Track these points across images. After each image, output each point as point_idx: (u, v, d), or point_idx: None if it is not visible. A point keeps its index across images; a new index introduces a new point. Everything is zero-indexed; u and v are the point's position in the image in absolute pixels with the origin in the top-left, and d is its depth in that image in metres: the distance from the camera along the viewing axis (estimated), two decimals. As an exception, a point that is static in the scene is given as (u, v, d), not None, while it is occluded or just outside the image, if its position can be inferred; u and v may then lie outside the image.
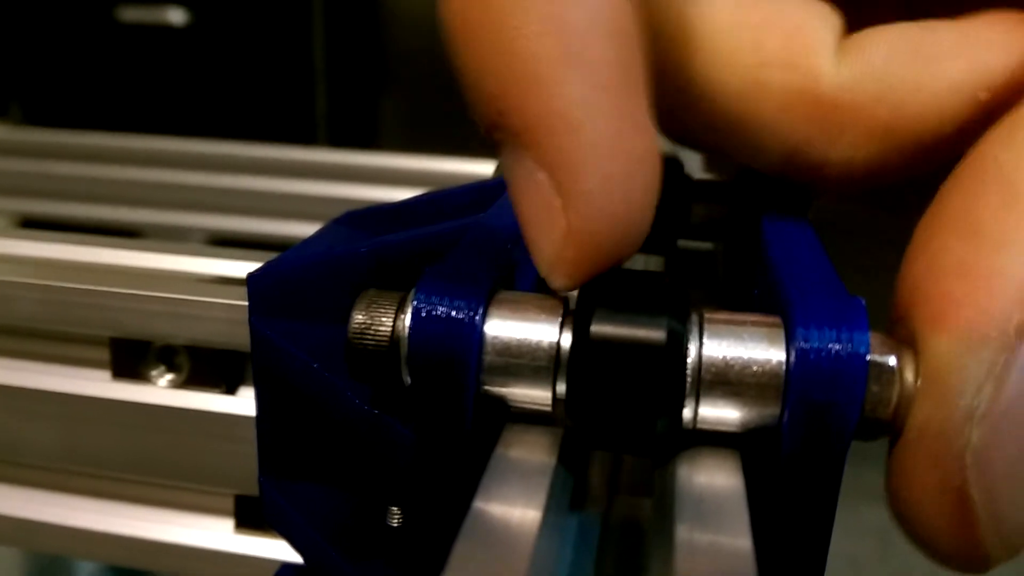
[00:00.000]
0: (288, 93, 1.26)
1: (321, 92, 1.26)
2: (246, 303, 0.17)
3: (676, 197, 0.21)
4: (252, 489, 0.19)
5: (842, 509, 0.13)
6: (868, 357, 0.12)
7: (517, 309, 0.13)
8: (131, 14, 1.26)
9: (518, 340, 0.13)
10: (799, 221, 0.16)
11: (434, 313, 0.12)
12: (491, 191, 0.18)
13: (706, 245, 0.23)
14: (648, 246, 0.21)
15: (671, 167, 0.21)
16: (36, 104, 1.32)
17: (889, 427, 0.12)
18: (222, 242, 0.45)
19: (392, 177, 0.46)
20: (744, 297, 0.18)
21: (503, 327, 0.13)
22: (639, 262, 0.24)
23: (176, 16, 1.25)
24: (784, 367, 0.12)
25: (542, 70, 0.12)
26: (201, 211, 0.46)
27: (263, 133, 0.67)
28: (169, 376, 0.19)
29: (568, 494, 0.13)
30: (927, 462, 0.12)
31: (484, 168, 0.46)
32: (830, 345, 0.12)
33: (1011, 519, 0.12)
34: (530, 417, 0.13)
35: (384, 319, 0.13)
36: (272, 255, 0.19)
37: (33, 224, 0.49)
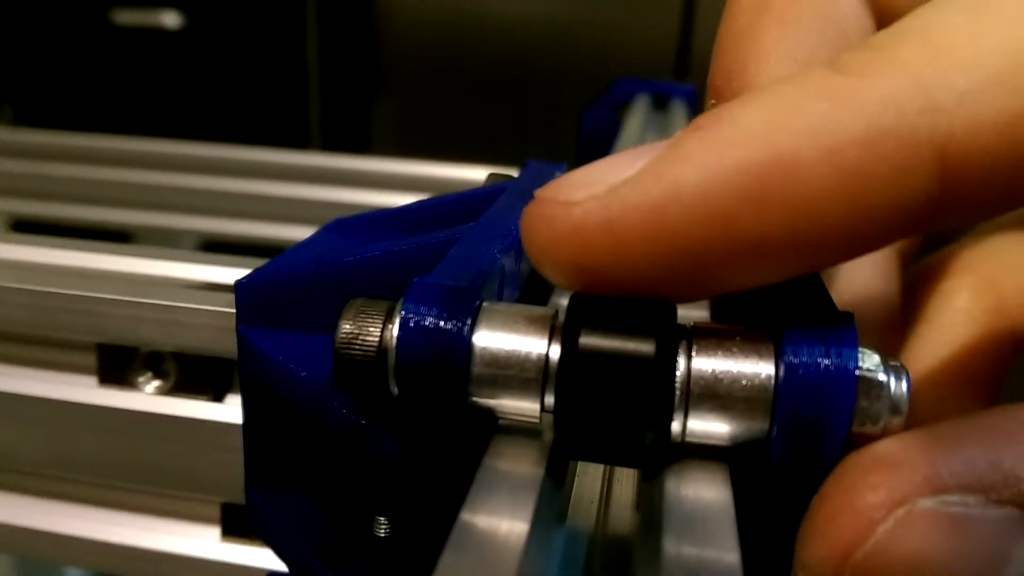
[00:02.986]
0: (282, 97, 1.26)
1: (315, 96, 1.26)
2: (234, 310, 0.17)
3: None
4: (239, 497, 0.19)
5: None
6: (857, 372, 0.12)
7: (506, 320, 0.13)
8: (125, 17, 1.26)
9: (507, 351, 0.13)
10: None
11: (422, 323, 0.12)
12: (482, 200, 0.18)
13: None
14: None
15: None
16: (28, 105, 1.32)
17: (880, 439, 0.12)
18: (214, 245, 0.45)
19: (384, 182, 0.46)
20: (733, 306, 0.18)
21: (492, 338, 0.13)
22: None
23: (170, 19, 1.25)
24: (773, 381, 0.12)
25: None
26: (193, 214, 0.46)
27: (257, 137, 0.67)
28: (156, 383, 0.19)
29: (556, 507, 0.13)
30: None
31: (475, 173, 0.46)
32: (819, 360, 0.12)
33: None
34: (518, 428, 0.13)
35: (372, 329, 0.13)
36: (261, 261, 0.19)
37: (24, 225, 0.49)
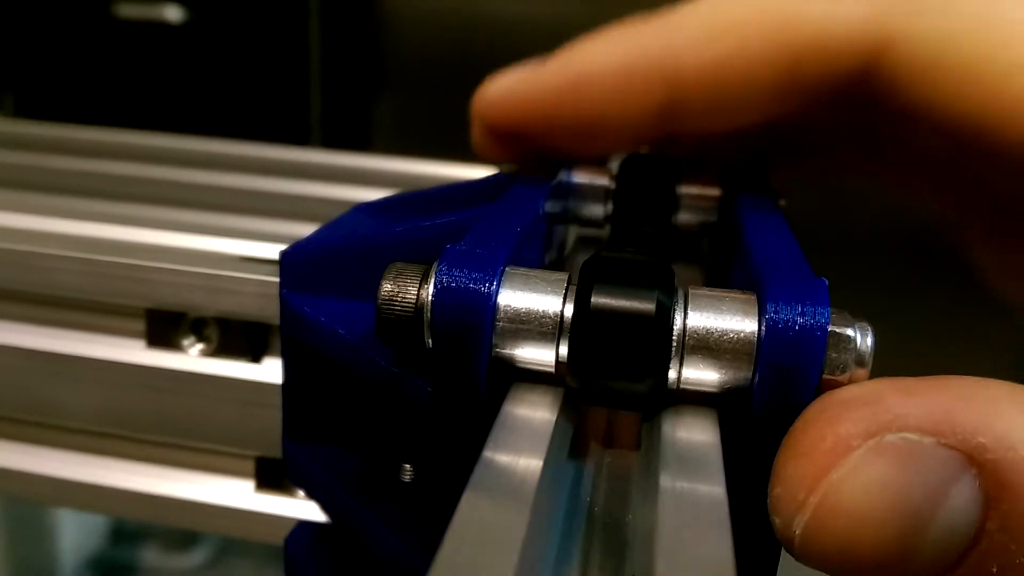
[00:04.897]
0: (283, 93, 1.27)
1: (316, 93, 1.27)
2: (274, 279, 0.19)
3: (666, 179, 0.23)
4: (273, 451, 0.20)
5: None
6: (828, 328, 0.13)
7: (526, 283, 0.15)
8: (128, 10, 1.27)
9: (527, 309, 0.14)
10: (773, 207, 0.19)
11: (454, 284, 0.14)
12: (499, 184, 0.20)
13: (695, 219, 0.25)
14: (642, 239, 0.23)
15: (663, 162, 0.23)
16: (30, 97, 1.33)
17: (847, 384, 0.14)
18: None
19: (385, 179, 0.47)
20: (725, 272, 0.20)
21: (514, 297, 0.15)
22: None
23: (173, 13, 1.26)
24: (756, 336, 0.14)
25: None
26: (192, 208, 0.47)
27: (257, 132, 0.68)
28: (200, 346, 0.21)
29: (567, 446, 0.15)
30: None
31: (475, 173, 0.46)
32: (796, 317, 0.14)
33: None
34: (535, 377, 0.15)
35: (410, 288, 0.15)
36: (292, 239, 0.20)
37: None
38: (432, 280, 0.14)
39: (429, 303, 0.14)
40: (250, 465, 0.22)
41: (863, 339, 0.14)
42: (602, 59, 0.19)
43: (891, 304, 1.26)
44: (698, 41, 0.18)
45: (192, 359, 0.21)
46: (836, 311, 0.14)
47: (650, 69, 0.18)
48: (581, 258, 0.23)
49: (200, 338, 0.21)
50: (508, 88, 0.20)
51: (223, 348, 0.20)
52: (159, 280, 0.20)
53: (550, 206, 0.20)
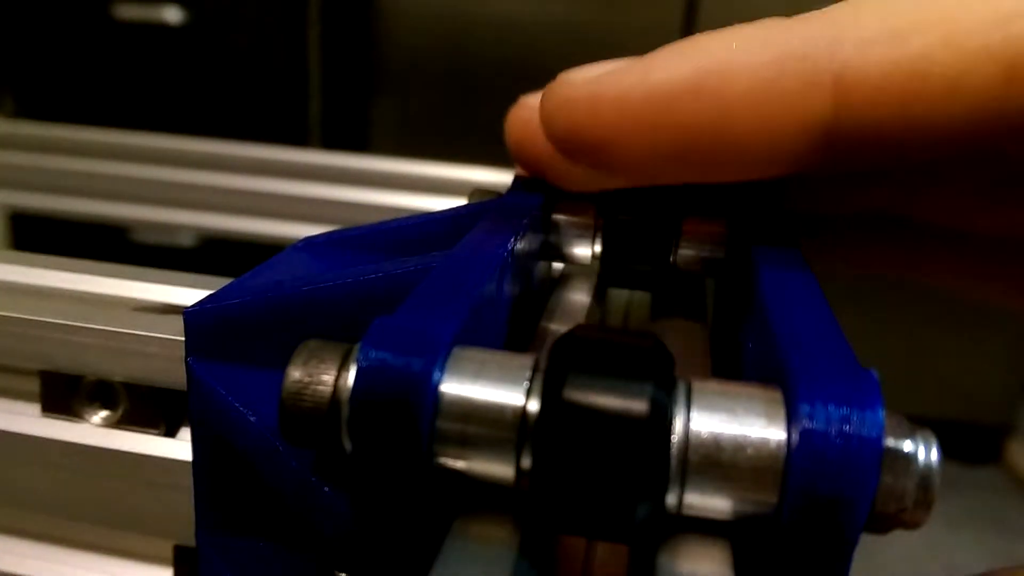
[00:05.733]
0: (282, 94, 1.25)
1: (315, 94, 1.24)
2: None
3: (668, 211, 0.19)
4: (192, 539, 0.17)
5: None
6: (883, 442, 0.10)
7: (480, 368, 0.11)
8: (127, 11, 1.25)
9: (479, 404, 0.11)
10: (796, 260, 0.15)
11: (381, 370, 0.11)
12: (463, 221, 0.16)
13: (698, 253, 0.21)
14: (636, 278, 0.19)
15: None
16: (30, 97, 1.31)
17: (904, 521, 0.10)
18: (212, 241, 0.44)
19: (383, 180, 0.45)
20: (733, 336, 0.17)
21: (462, 389, 0.11)
22: (624, 296, 0.22)
23: (172, 15, 1.24)
24: (784, 450, 0.10)
25: None
26: (192, 209, 0.46)
27: (256, 133, 0.66)
28: (103, 413, 0.17)
29: (532, 584, 0.11)
30: None
31: (475, 174, 0.45)
32: (839, 426, 0.10)
33: None
34: (490, 494, 0.11)
35: (324, 376, 0.11)
36: (221, 281, 0.17)
37: (22, 218, 0.49)
38: (352, 366, 0.11)
39: (347, 397, 0.11)
40: (168, 550, 0.18)
41: (927, 455, 0.10)
42: (742, 54, 0.14)
43: (892, 297, 1.23)
44: (892, 34, 0.13)
45: (94, 429, 0.17)
46: (891, 415, 0.10)
47: (815, 71, 0.13)
48: (564, 311, 0.19)
49: (105, 404, 0.17)
50: (595, 88, 0.14)
51: (131, 417, 0.17)
52: (51, 337, 0.16)
53: (526, 244, 0.17)
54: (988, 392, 1.30)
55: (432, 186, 0.44)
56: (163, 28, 1.25)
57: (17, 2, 1.26)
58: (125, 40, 1.27)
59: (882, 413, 0.10)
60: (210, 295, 0.15)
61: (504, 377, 0.11)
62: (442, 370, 0.11)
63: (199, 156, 0.47)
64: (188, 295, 0.18)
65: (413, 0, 1.21)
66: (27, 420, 0.17)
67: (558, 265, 0.22)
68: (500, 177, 0.43)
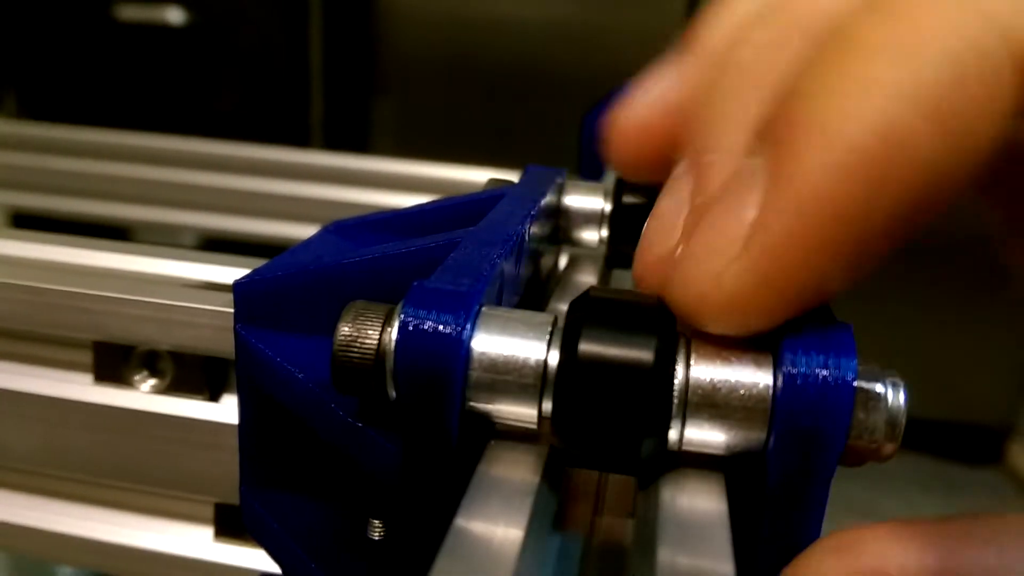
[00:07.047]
0: (284, 96, 1.26)
1: (317, 95, 1.26)
2: (232, 310, 0.17)
3: None
4: (233, 497, 0.19)
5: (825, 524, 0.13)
6: (856, 384, 0.11)
7: (505, 325, 0.13)
8: (130, 12, 1.26)
9: (505, 356, 0.13)
10: None
11: (421, 327, 0.12)
12: (482, 204, 0.18)
13: None
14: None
15: None
16: (32, 98, 1.32)
17: (875, 453, 0.12)
18: (213, 242, 0.45)
19: (385, 181, 0.46)
20: None
21: (490, 343, 0.13)
22: (628, 278, 0.24)
23: (174, 16, 1.25)
24: (771, 392, 0.12)
25: None
26: (194, 210, 0.46)
27: (258, 134, 0.67)
28: (152, 381, 0.19)
29: (551, 513, 0.13)
30: None
31: (475, 175, 0.46)
32: (818, 371, 0.12)
33: None
34: (515, 434, 0.13)
35: (371, 332, 0.13)
36: (259, 261, 0.19)
37: (24, 219, 0.49)
38: (396, 323, 0.12)
39: (392, 349, 0.12)
40: (209, 511, 0.20)
41: (895, 396, 0.12)
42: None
43: (889, 298, 1.24)
44: None
45: (143, 396, 0.19)
46: (863, 362, 0.12)
47: (995, 45, 0.11)
48: (572, 290, 0.21)
49: (153, 372, 0.19)
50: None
51: (177, 384, 0.18)
52: (104, 310, 0.18)
53: (538, 228, 0.18)
54: (989, 393, 1.30)
55: (433, 188, 0.45)
56: (165, 29, 1.26)
57: (19, 3, 1.27)
58: (127, 41, 1.28)
59: (855, 358, 0.12)
60: (255, 269, 0.16)
61: (527, 332, 0.13)
62: (474, 326, 0.13)
63: (201, 157, 0.47)
64: (225, 273, 0.20)
65: (414, 1, 1.23)
66: (80, 388, 0.19)
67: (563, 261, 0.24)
68: (500, 177, 0.44)
